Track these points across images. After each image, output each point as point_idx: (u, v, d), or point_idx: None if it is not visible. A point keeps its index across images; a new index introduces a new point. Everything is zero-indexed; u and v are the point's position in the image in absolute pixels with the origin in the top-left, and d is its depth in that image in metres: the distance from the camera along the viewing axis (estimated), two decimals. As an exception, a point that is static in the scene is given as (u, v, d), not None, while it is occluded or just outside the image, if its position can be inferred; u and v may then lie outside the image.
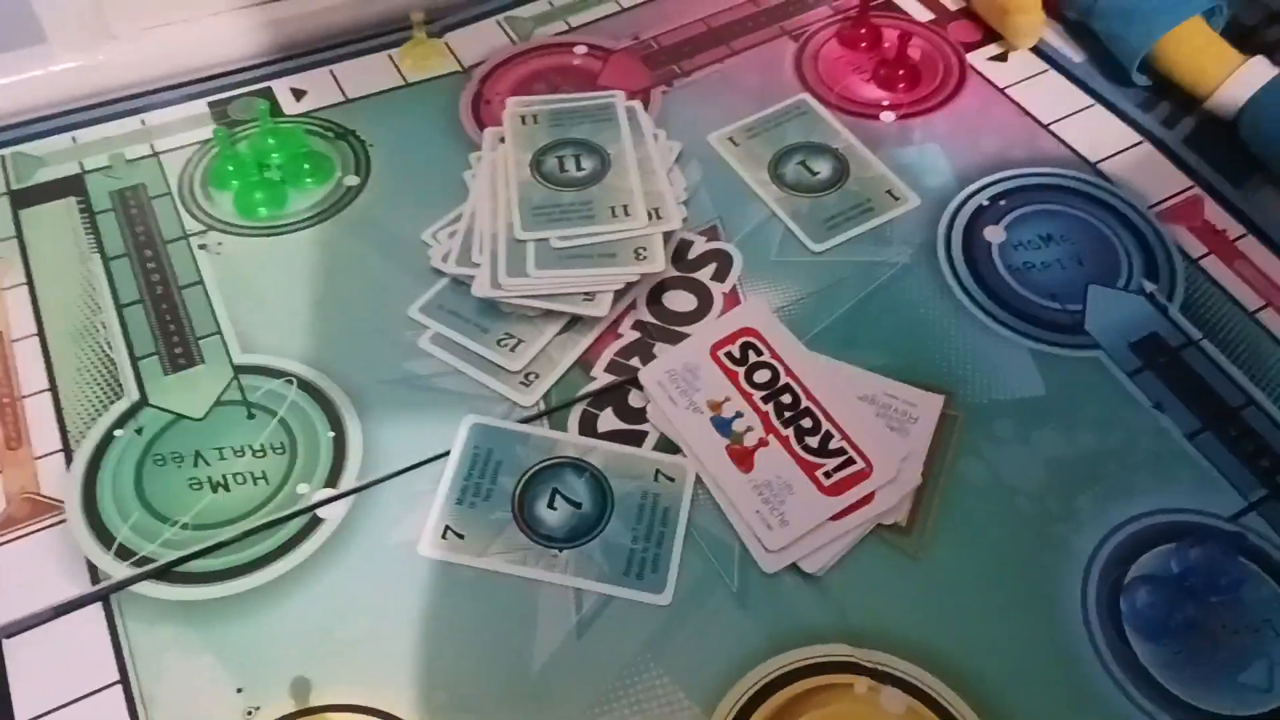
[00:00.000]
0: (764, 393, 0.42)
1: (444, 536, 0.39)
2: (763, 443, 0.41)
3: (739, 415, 0.42)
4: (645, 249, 0.46)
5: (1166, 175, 0.51)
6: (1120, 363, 0.44)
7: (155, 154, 0.51)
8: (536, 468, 0.41)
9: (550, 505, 0.40)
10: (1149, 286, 0.46)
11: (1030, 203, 0.50)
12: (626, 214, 0.46)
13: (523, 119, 0.52)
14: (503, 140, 0.50)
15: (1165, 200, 0.50)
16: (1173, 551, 0.39)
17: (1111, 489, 0.40)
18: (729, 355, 0.44)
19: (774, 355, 0.44)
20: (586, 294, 0.44)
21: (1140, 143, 0.52)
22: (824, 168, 0.51)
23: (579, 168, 0.49)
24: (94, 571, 0.37)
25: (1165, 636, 0.37)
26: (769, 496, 0.40)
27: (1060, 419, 0.42)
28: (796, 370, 0.43)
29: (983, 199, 0.50)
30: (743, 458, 0.41)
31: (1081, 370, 0.44)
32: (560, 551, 0.38)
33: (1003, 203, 0.50)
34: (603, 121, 0.51)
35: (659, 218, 0.46)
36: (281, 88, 0.55)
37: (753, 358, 0.43)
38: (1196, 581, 0.38)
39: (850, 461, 0.40)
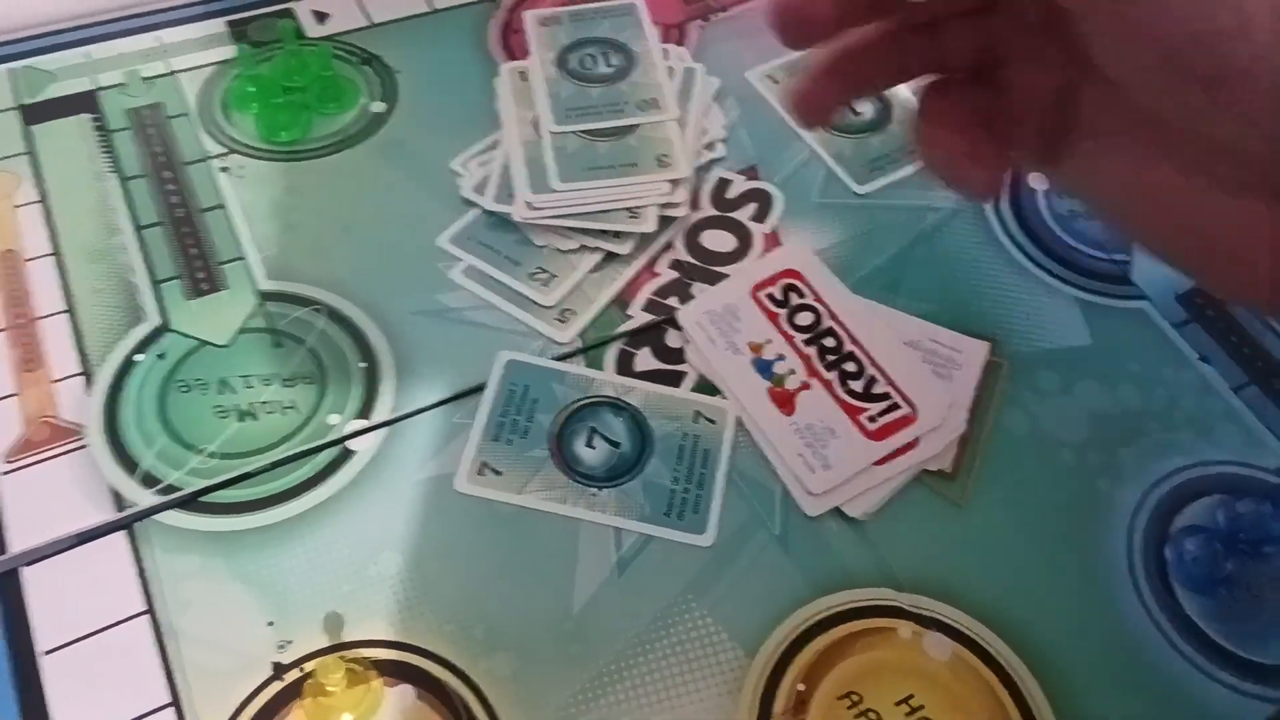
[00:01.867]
0: (806, 335, 0.41)
1: (480, 473, 0.37)
2: (805, 386, 0.40)
3: (781, 358, 0.41)
4: (668, 155, 0.45)
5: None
6: (1167, 314, 0.43)
7: (172, 72, 0.49)
8: (574, 406, 0.39)
9: (589, 444, 0.39)
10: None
11: (1077, 150, 0.48)
12: (656, 107, 0.46)
13: (543, 22, 0.51)
14: (523, 75, 0.49)
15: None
16: (1218, 504, 0.39)
17: (1156, 442, 0.40)
18: (770, 296, 0.42)
19: (817, 298, 0.42)
20: (630, 210, 0.43)
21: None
22: (868, 109, 0.50)
23: (607, 64, 0.49)
24: (118, 498, 0.36)
25: (1212, 588, 0.37)
26: (811, 440, 0.39)
27: (1105, 370, 0.42)
28: (840, 314, 0.42)
29: (1028, 145, 0.48)
30: (784, 400, 0.40)
31: (1127, 321, 0.43)
32: (600, 490, 0.37)
33: (1049, 149, 0.48)
34: (623, 17, 0.51)
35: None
36: (303, 10, 0.53)
37: (795, 300, 0.42)
38: (1243, 534, 0.38)
39: (895, 407, 0.39)
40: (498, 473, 0.38)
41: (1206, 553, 0.38)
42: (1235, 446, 0.40)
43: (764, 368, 0.41)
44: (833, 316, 0.42)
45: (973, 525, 0.38)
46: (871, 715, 0.34)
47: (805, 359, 0.41)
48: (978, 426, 0.40)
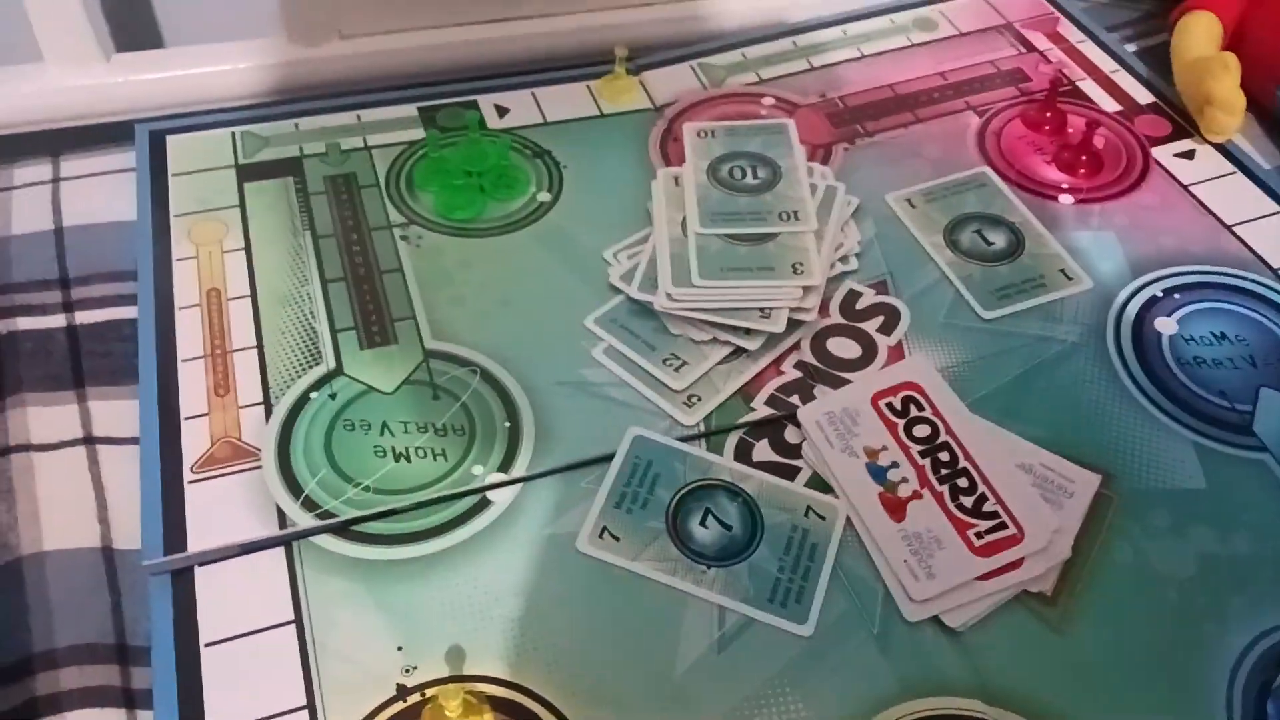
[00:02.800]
0: (922, 447, 0.43)
1: (601, 536, 0.40)
2: (916, 495, 0.42)
3: (895, 465, 0.43)
4: (803, 264, 0.48)
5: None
6: (1286, 470, 0.44)
7: (367, 147, 0.55)
8: (692, 485, 0.42)
9: (702, 523, 0.41)
10: (1324, 397, 0.46)
11: (1205, 299, 0.50)
12: (796, 219, 0.50)
13: (699, 134, 0.55)
14: (676, 181, 0.53)
15: (1348, 314, 0.49)
16: (1327, 664, 0.38)
17: (1266, 593, 0.40)
18: (890, 406, 0.45)
19: (935, 412, 0.44)
20: (763, 310, 0.46)
21: (1327, 254, 0.52)
22: (999, 239, 0.52)
23: (754, 176, 0.52)
24: (282, 517, 0.40)
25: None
26: (918, 548, 0.40)
27: (1218, 516, 0.42)
28: (956, 430, 0.44)
29: (1156, 290, 0.50)
30: (896, 507, 0.42)
31: (1245, 470, 0.43)
32: (709, 569, 0.40)
33: (1177, 296, 0.50)
34: (774, 135, 0.55)
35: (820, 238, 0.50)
36: (486, 103, 0.58)
37: (914, 412, 0.44)
38: (1351, 698, 0.38)
39: (1003, 525, 0.41)
40: (616, 538, 0.40)
41: (1310, 711, 0.37)
42: (1350, 609, 0.40)
43: (878, 472, 0.43)
44: (949, 432, 0.44)
45: (1069, 651, 0.38)
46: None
47: (919, 469, 0.43)
48: (1083, 555, 0.41)
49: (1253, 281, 0.50)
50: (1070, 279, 0.50)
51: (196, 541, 0.39)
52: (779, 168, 0.53)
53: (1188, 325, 0.49)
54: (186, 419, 0.43)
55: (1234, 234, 0.53)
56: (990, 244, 0.52)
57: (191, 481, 0.41)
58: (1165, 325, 0.48)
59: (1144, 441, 0.44)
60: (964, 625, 0.39)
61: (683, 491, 0.42)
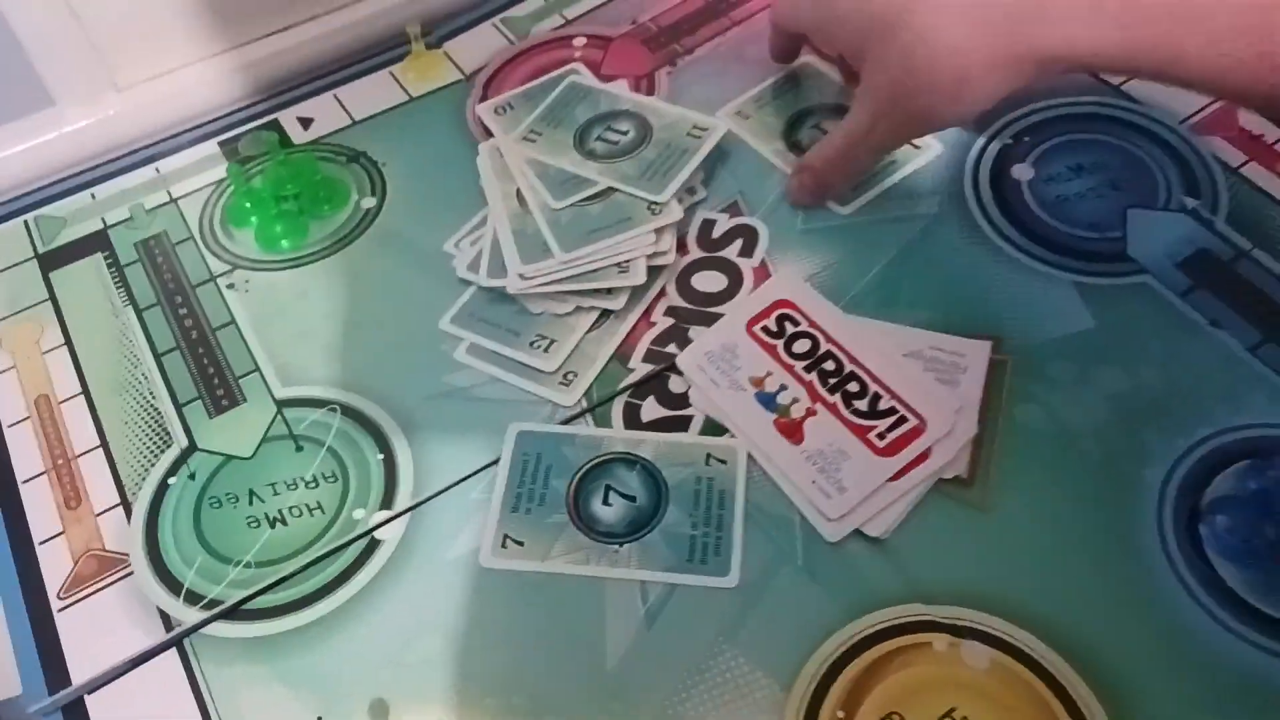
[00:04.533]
0: (805, 362, 0.42)
1: (504, 545, 0.38)
2: (810, 412, 0.40)
3: (783, 388, 0.41)
4: (658, 203, 0.46)
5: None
6: (1170, 285, 0.43)
7: (173, 200, 0.52)
8: (587, 466, 0.40)
9: (605, 502, 0.39)
10: (1191, 203, 0.45)
11: (1055, 135, 0.48)
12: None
13: (496, 111, 0.53)
14: (500, 152, 0.50)
15: (1196, 113, 0.48)
16: (1248, 470, 0.38)
17: (1178, 416, 0.39)
18: (765, 329, 0.43)
19: (811, 324, 0.43)
20: (620, 266, 0.44)
21: (1163, 58, 0.50)
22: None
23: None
24: (166, 619, 0.38)
25: (1251, 557, 0.36)
26: (824, 465, 0.39)
27: (1115, 351, 0.41)
28: (836, 336, 0.42)
29: (1006, 138, 0.48)
30: (792, 430, 0.40)
31: (1130, 298, 0.43)
32: (621, 546, 0.38)
33: (1027, 139, 0.48)
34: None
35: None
36: (288, 118, 0.55)
37: (790, 329, 0.43)
38: (1277, 496, 0.37)
39: (902, 420, 0.40)
40: (520, 543, 0.39)
41: (1242, 522, 0.37)
42: (1260, 408, 0.39)
43: (767, 400, 0.41)
44: (829, 340, 0.42)
45: (997, 528, 0.37)
46: (916, 732, 0.34)
47: (808, 385, 0.41)
48: (990, 428, 0.40)
49: (1096, 104, 0.49)
50: (919, 148, 0.49)
51: (80, 670, 0.37)
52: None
53: (1045, 166, 0.47)
54: (41, 543, 0.40)
55: (1070, 60, 0.51)
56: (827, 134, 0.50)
57: (61, 609, 0.38)
58: (1022, 172, 0.47)
59: (1026, 296, 0.43)
60: (886, 532, 0.38)
61: (578, 475, 0.40)
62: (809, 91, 0.52)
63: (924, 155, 0.48)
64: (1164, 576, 0.36)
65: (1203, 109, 0.48)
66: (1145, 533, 0.37)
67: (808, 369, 0.41)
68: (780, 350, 0.42)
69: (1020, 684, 0.34)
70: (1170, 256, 0.43)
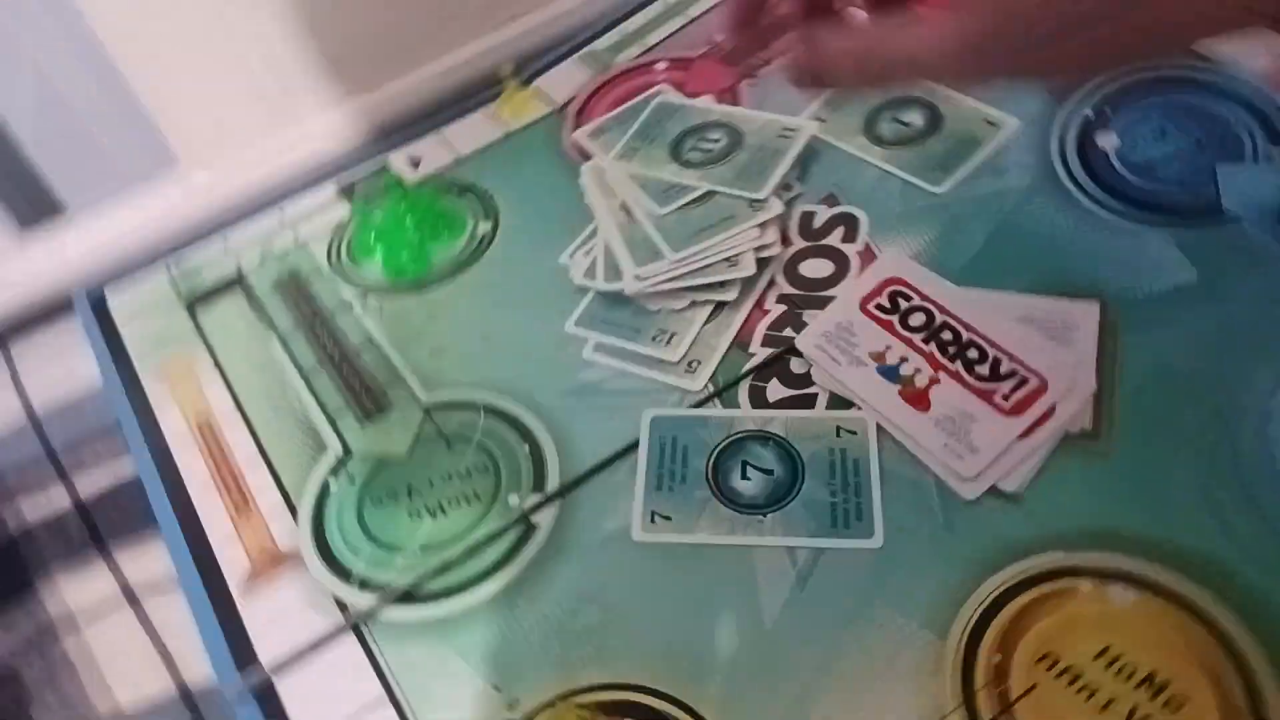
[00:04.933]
0: (923, 334, 0.44)
1: (653, 521, 0.40)
2: (934, 381, 0.42)
3: (904, 360, 0.43)
4: (759, 199, 0.49)
5: (1266, 37, 0.51)
6: (1266, 231, 0.44)
7: (299, 240, 0.55)
8: (722, 445, 0.42)
9: (744, 476, 0.41)
10: (1277, 152, 0.46)
11: (1135, 102, 0.50)
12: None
13: (591, 135, 0.56)
14: (601, 171, 0.53)
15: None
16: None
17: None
18: (879, 306, 0.45)
19: (924, 297, 0.45)
20: (729, 260, 0.47)
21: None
22: (915, 117, 0.53)
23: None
24: (342, 606, 0.40)
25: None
26: (953, 430, 0.41)
27: (1217, 298, 0.43)
28: (950, 307, 0.44)
29: (1087, 109, 0.51)
30: (918, 399, 0.42)
31: (1228, 247, 0.44)
32: (765, 517, 0.40)
33: (1108, 109, 0.50)
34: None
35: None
36: (398, 159, 0.59)
37: (904, 304, 0.45)
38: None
39: (1024, 381, 0.41)
40: (668, 518, 0.40)
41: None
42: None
43: (890, 372, 0.43)
44: (944, 311, 0.44)
45: (1125, 475, 0.39)
46: (1073, 673, 0.34)
47: (928, 356, 0.43)
48: (1108, 381, 0.41)
49: (1169, 67, 0.51)
50: (997, 125, 0.51)
51: (267, 655, 0.39)
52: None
53: (1128, 134, 0.49)
54: (218, 545, 0.43)
55: (1141, 38, 0.53)
56: (908, 124, 0.53)
57: (243, 603, 0.41)
58: (1107, 141, 0.49)
59: (1126, 255, 0.45)
60: (1021, 487, 0.39)
61: (715, 453, 0.42)
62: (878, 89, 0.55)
63: (1005, 130, 0.51)
64: (1293, 498, 0.37)
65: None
66: (1267, 460, 0.38)
67: (926, 340, 0.43)
68: (896, 324, 0.44)
69: (1167, 618, 0.35)
70: (1263, 206, 0.45)
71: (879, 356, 0.43)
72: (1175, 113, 0.49)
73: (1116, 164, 0.48)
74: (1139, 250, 0.45)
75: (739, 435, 0.43)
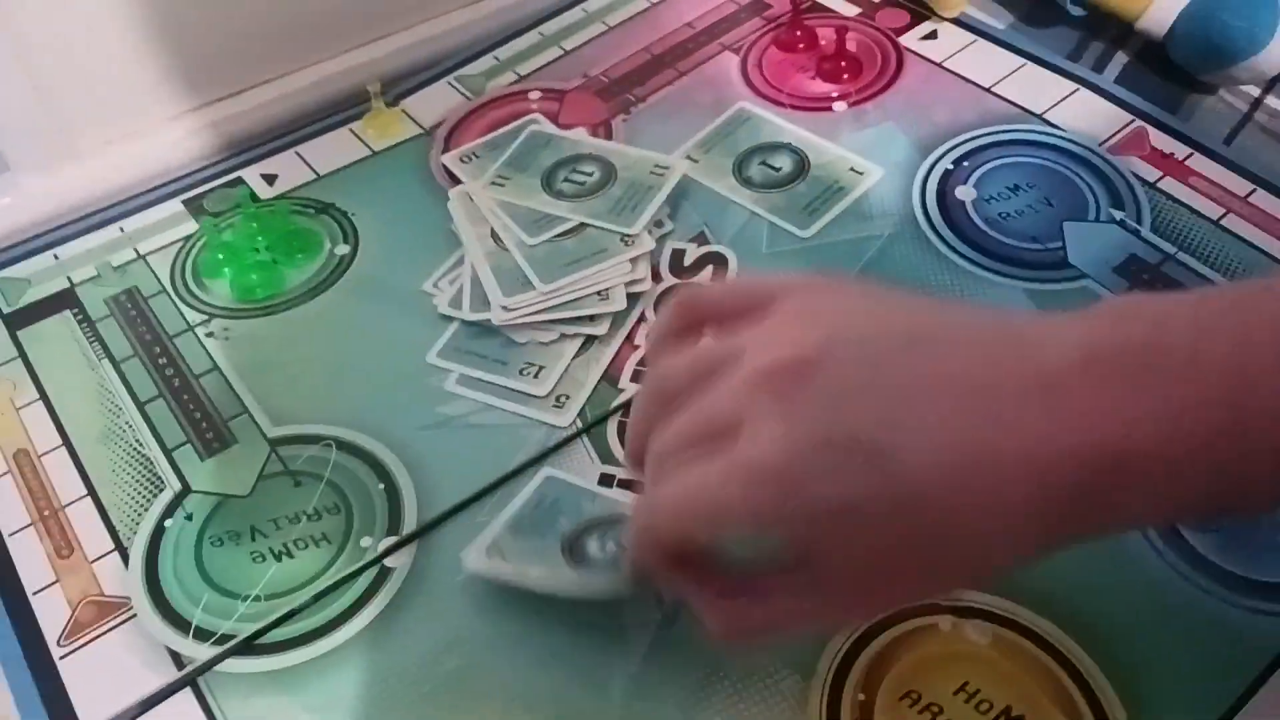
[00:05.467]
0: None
1: (488, 554, 0.39)
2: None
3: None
4: (631, 235, 0.49)
5: (1107, 114, 0.54)
6: (1108, 286, 0.46)
7: (141, 256, 0.51)
8: (598, 522, 0.40)
9: (602, 549, 0.39)
10: (1118, 215, 0.49)
11: (991, 159, 0.52)
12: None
13: (462, 159, 0.55)
14: (470, 197, 0.52)
15: (1112, 136, 0.53)
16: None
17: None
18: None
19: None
20: (600, 294, 0.46)
21: (1076, 90, 0.55)
22: (784, 162, 0.54)
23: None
24: (176, 658, 0.37)
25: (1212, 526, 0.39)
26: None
27: (1066, 348, 0.45)
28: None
29: (947, 163, 0.52)
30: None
31: (1075, 299, 0.46)
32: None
33: (966, 163, 0.52)
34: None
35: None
36: (252, 175, 0.56)
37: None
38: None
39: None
40: (502, 557, 0.39)
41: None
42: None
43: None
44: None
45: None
46: (934, 709, 0.35)
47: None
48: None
49: (1024, 131, 0.54)
50: (861, 173, 0.52)
51: (89, 717, 0.35)
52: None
53: (984, 187, 0.51)
54: (34, 594, 0.39)
55: (995, 94, 0.56)
56: (777, 169, 0.53)
57: (63, 657, 0.37)
58: (965, 193, 0.51)
59: (980, 301, 0.46)
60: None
61: (585, 526, 0.40)
62: (748, 133, 0.55)
63: (869, 177, 0.52)
64: (1137, 545, 0.38)
65: (1118, 132, 0.53)
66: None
67: None
68: None
69: (1022, 654, 0.36)
70: (1106, 262, 0.47)
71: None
72: (1027, 170, 0.52)
73: (974, 215, 0.50)
74: (994, 299, 0.46)
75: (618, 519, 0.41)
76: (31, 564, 0.40)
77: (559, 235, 0.49)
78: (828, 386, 0.28)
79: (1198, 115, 0.54)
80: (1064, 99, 0.55)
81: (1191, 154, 0.52)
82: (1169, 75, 0.56)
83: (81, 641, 0.37)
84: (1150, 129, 0.53)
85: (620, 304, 0.46)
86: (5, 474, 0.43)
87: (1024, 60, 0.58)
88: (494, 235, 0.50)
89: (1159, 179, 0.51)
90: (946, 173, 0.52)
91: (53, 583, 0.39)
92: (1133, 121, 0.54)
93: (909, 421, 0.27)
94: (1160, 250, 0.48)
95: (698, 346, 0.33)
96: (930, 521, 0.27)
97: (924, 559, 0.29)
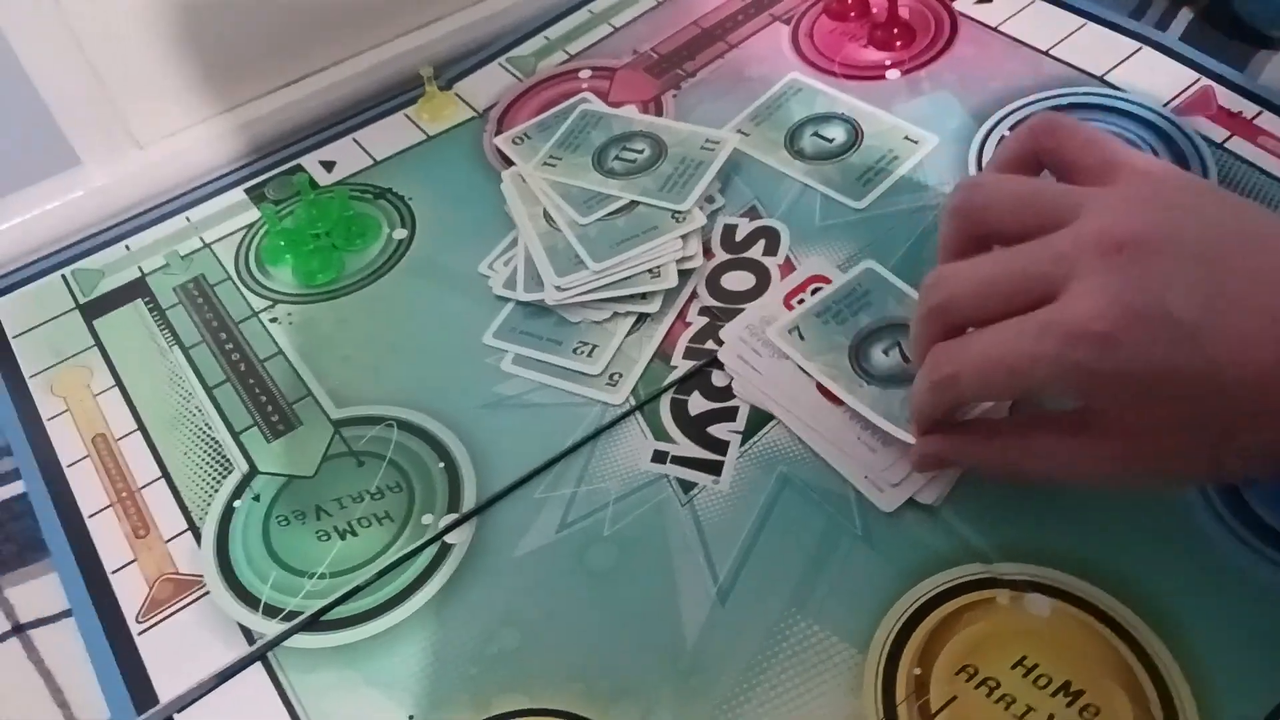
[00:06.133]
0: (844, 329, 0.44)
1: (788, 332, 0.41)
2: (853, 373, 0.42)
3: (825, 352, 0.43)
4: (682, 211, 0.49)
5: (1172, 73, 0.52)
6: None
7: (206, 245, 0.53)
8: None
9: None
10: (1184, 177, 0.48)
11: (1050, 124, 0.51)
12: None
13: (514, 141, 0.55)
14: (523, 178, 0.52)
15: (1177, 96, 0.51)
16: None
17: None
18: (802, 301, 0.45)
19: (846, 296, 0.45)
20: (652, 272, 0.46)
21: (1139, 49, 0.54)
22: (837, 133, 0.53)
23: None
24: (248, 633, 0.38)
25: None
26: (868, 424, 0.41)
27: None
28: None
29: (1004, 130, 0.51)
30: (831, 393, 0.42)
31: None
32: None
33: (1024, 129, 0.51)
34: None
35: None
36: (310, 163, 0.57)
37: (827, 297, 0.45)
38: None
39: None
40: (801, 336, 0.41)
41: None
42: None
43: (808, 366, 0.43)
44: (865, 308, 0.44)
45: (1042, 486, 0.39)
46: (991, 683, 0.35)
47: (849, 347, 0.43)
48: (1022, 394, 0.42)
49: (1085, 94, 0.52)
50: (916, 142, 0.52)
51: (166, 689, 0.37)
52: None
53: (1042, 153, 0.50)
54: (113, 572, 0.41)
55: (1053, 57, 0.55)
56: (830, 140, 0.53)
57: (141, 632, 0.39)
58: (1021, 159, 0.50)
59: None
60: (938, 499, 0.39)
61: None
62: (800, 104, 0.55)
63: (924, 146, 0.51)
64: (1202, 514, 0.38)
65: (1183, 92, 0.51)
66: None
67: None
68: None
69: (1082, 627, 0.35)
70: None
71: (800, 350, 0.44)
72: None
73: (1030, 180, 0.49)
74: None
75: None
76: (111, 544, 0.41)
77: (610, 214, 0.49)
78: (1163, 268, 0.30)
79: (1267, 72, 0.52)
80: (1126, 59, 0.54)
81: (1260, 112, 0.50)
82: (1236, 31, 0.54)
83: (159, 618, 0.39)
84: (1217, 87, 0.51)
85: (672, 281, 0.46)
86: (85, 458, 0.45)
87: (1083, 20, 0.56)
88: (546, 216, 0.50)
89: (1227, 139, 0.49)
90: (1003, 139, 0.51)
91: (130, 561, 0.41)
92: (1198, 80, 0.52)
93: (1232, 312, 0.29)
94: (1228, 213, 0.46)
95: (1032, 181, 0.35)
96: (1229, 408, 0.30)
97: (1210, 439, 0.31)
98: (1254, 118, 0.50)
